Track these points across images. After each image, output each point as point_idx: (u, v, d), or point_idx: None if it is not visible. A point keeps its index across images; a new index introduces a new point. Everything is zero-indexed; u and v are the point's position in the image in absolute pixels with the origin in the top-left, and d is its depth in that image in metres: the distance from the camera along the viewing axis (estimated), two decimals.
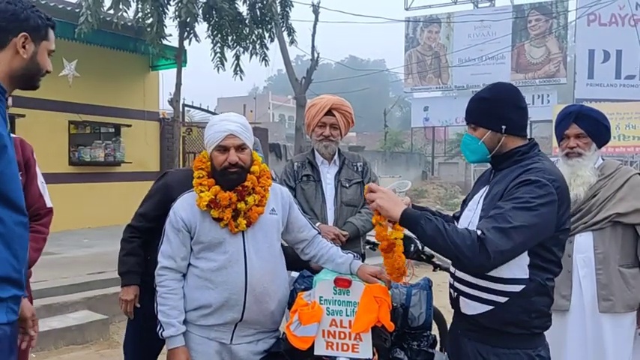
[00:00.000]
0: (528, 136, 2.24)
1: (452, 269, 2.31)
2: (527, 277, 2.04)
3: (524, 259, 2.03)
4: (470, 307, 2.16)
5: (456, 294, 2.24)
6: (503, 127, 2.16)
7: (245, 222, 2.37)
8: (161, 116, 11.91)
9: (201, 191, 2.37)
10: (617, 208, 2.77)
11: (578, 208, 2.84)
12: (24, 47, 1.91)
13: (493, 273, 2.06)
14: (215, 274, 2.36)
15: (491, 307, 2.09)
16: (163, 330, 2.33)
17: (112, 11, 8.79)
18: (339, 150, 3.29)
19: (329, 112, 3.14)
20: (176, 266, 2.39)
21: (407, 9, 28.31)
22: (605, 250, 2.78)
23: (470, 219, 2.19)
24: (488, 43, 25.40)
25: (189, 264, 2.41)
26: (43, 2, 8.69)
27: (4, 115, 1.83)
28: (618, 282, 2.76)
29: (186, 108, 13.09)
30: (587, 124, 2.84)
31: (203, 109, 13.58)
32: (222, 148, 2.36)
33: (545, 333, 2.90)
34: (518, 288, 2.04)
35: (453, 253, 1.96)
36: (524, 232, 1.94)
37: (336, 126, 3.16)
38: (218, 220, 2.36)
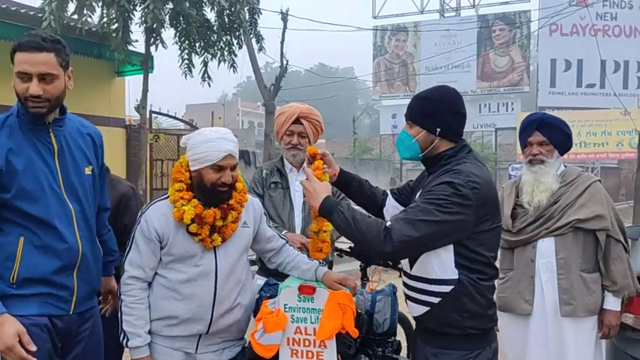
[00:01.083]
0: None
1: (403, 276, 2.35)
2: (457, 277, 2.10)
3: (450, 259, 2.10)
4: (413, 309, 2.24)
5: (405, 297, 2.32)
6: (438, 129, 2.20)
7: (220, 238, 2.33)
8: (127, 123, 11.73)
9: (182, 205, 2.30)
10: (578, 214, 2.82)
11: (540, 214, 2.89)
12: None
13: (423, 274, 2.15)
14: (184, 286, 2.31)
15: (427, 308, 2.17)
16: (128, 340, 2.27)
17: (75, 16, 8.63)
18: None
19: (297, 121, 3.13)
20: (144, 276, 2.32)
21: (375, 17, 28.57)
22: (566, 255, 2.83)
23: None
24: (454, 52, 25.80)
25: (156, 273, 2.36)
26: (4, 7, 8.47)
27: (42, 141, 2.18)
28: (579, 287, 2.81)
29: (153, 115, 12.92)
30: (550, 132, 2.90)
31: (171, 116, 13.44)
32: (218, 167, 2.30)
33: (508, 336, 2.99)
34: (447, 288, 2.11)
35: (359, 240, 2.12)
36: (432, 227, 2.02)
37: (304, 134, 3.15)
38: (193, 234, 2.30)
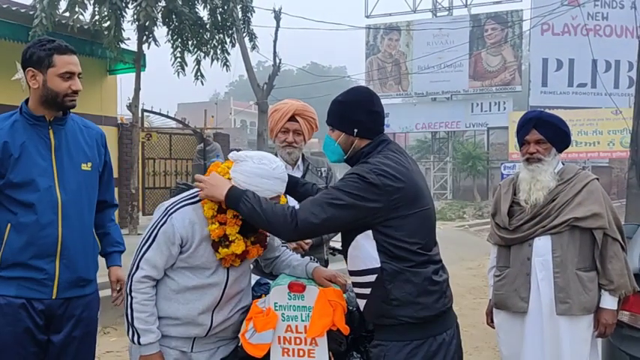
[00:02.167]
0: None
1: None
2: (379, 265, 2.15)
3: (373, 248, 2.17)
4: (360, 304, 2.30)
5: None
6: (355, 130, 2.28)
7: (239, 260, 2.34)
8: (119, 121, 11.67)
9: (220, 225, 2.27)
10: (575, 212, 2.81)
11: (537, 212, 2.88)
12: (34, 79, 2.38)
13: (353, 267, 2.26)
14: (190, 292, 2.29)
15: (364, 300, 2.24)
16: (139, 337, 2.24)
17: (67, 14, 8.58)
18: (303, 155, 3.25)
19: (292, 118, 3.09)
20: (158, 276, 2.29)
21: (367, 16, 28.60)
22: (562, 253, 2.83)
23: None
24: (447, 51, 25.87)
25: (165, 273, 2.31)
26: None
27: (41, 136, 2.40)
28: (575, 285, 2.81)
29: (145, 113, 12.87)
30: (547, 130, 2.90)
31: (163, 115, 13.39)
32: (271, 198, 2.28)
33: (504, 334, 2.98)
34: (372, 277, 2.18)
35: (268, 227, 2.20)
36: (337, 210, 2.11)
37: (299, 132, 3.12)
38: (216, 249, 2.27)
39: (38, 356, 2.42)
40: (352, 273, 2.28)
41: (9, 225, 2.36)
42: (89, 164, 2.51)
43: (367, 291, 2.20)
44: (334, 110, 2.35)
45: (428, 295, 2.17)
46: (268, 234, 2.40)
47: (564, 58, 24.90)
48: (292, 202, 2.54)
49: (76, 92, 2.43)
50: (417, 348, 2.14)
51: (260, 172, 2.25)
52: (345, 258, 2.34)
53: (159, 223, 2.26)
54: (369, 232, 2.17)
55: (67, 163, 2.44)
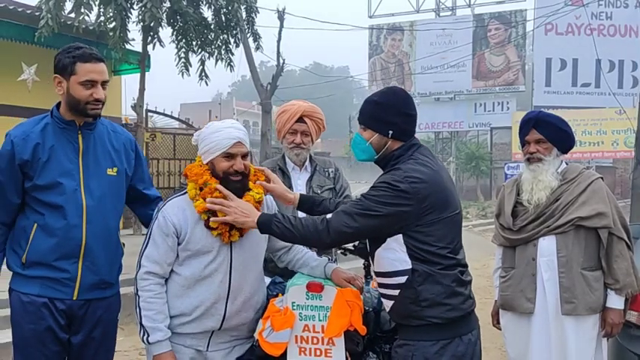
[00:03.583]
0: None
1: None
2: (410, 267, 2.17)
3: (403, 251, 2.19)
4: (386, 305, 2.32)
5: None
6: (390, 131, 2.28)
7: (238, 233, 2.35)
8: (124, 122, 11.70)
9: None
10: (580, 212, 2.82)
11: (541, 212, 2.89)
12: (60, 86, 2.44)
13: (381, 269, 2.26)
14: (199, 282, 2.33)
15: (392, 302, 2.25)
16: (148, 335, 2.28)
17: (73, 15, 8.61)
18: (310, 156, 3.27)
19: (300, 119, 3.11)
20: (162, 272, 2.33)
21: (370, 17, 28.63)
22: (567, 253, 2.83)
23: None
24: (450, 51, 25.87)
25: (172, 270, 2.36)
26: (1, 5, 8.46)
27: (70, 140, 2.45)
28: (581, 285, 2.81)
29: (149, 113, 12.90)
30: (546, 130, 2.90)
31: (167, 115, 13.40)
32: (229, 155, 2.33)
33: (510, 334, 3.00)
34: (402, 279, 2.19)
35: (304, 241, 2.30)
36: (369, 220, 2.14)
37: (307, 133, 3.14)
38: (211, 228, 2.32)
39: (60, 355, 2.47)
40: (380, 274, 2.29)
41: (35, 225, 2.41)
42: (115, 169, 2.54)
43: (395, 292, 2.22)
44: (369, 110, 2.33)
45: (455, 297, 2.20)
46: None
47: (568, 58, 24.87)
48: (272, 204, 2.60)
49: (98, 101, 2.44)
50: (444, 348, 2.17)
51: (211, 130, 2.38)
52: (367, 258, 2.37)
53: (153, 221, 2.37)
54: (399, 236, 2.19)
55: (93, 167, 2.48)
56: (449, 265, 2.21)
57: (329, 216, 2.20)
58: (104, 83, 2.47)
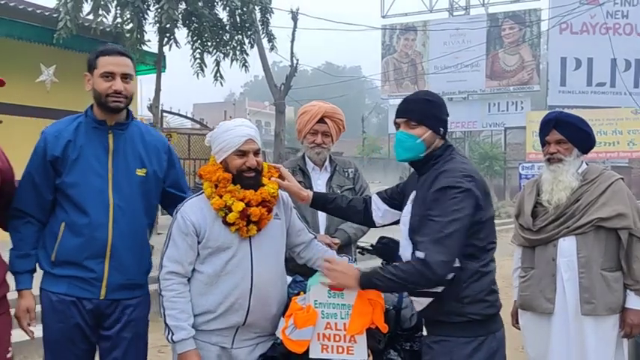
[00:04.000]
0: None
1: None
2: (459, 265, 2.19)
3: None
4: (418, 303, 2.33)
5: (408, 293, 2.42)
6: (441, 129, 2.34)
7: (256, 227, 2.40)
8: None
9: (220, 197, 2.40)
10: (600, 212, 2.82)
11: (561, 213, 2.89)
12: (88, 83, 2.49)
13: None
14: (221, 279, 2.37)
15: (432, 299, 2.26)
16: (173, 334, 2.32)
17: (90, 16, 8.70)
18: (330, 156, 3.31)
19: (321, 120, 3.16)
20: (183, 271, 2.38)
21: (383, 16, 28.58)
22: (587, 254, 2.83)
23: (407, 224, 2.35)
24: (464, 51, 25.75)
25: (194, 269, 2.41)
26: (20, 7, 8.58)
27: (100, 139, 2.49)
28: (600, 285, 2.81)
29: (163, 114, 13.00)
30: (566, 130, 2.91)
31: (183, 116, 13.51)
32: (241, 153, 2.39)
33: (530, 335, 3.00)
34: (449, 276, 2.19)
35: (410, 287, 2.25)
36: (456, 237, 2.13)
37: (327, 133, 3.18)
38: (229, 224, 2.37)
39: (89, 354, 2.51)
40: None
41: (63, 224, 2.45)
42: (144, 170, 2.55)
43: (439, 289, 2.22)
44: (424, 107, 2.35)
45: (493, 294, 2.27)
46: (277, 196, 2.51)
47: (583, 57, 24.65)
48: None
49: (118, 93, 2.44)
50: (482, 344, 2.21)
51: (223, 129, 2.45)
52: (386, 258, 2.40)
53: (172, 222, 2.43)
54: None
55: (123, 167, 2.50)
56: (490, 261, 2.28)
57: (419, 254, 2.14)
58: (125, 77, 2.48)
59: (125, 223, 2.48)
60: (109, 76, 2.44)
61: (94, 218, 2.43)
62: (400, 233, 2.44)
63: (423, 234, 2.17)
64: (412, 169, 2.47)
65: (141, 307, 2.58)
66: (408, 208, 2.38)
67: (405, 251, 2.34)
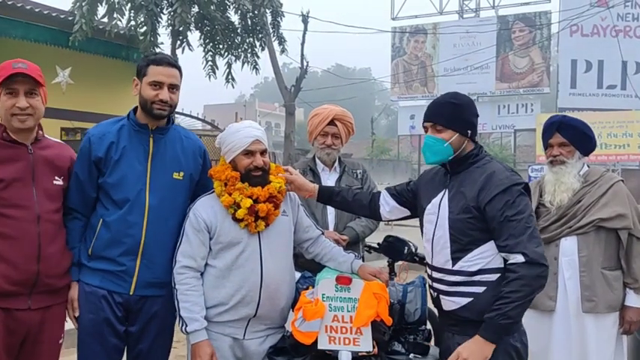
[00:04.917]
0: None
1: (428, 271, 2.48)
2: (503, 265, 2.24)
3: (495, 249, 2.26)
4: (450, 303, 2.34)
5: (435, 293, 2.43)
6: (469, 131, 2.36)
7: (264, 223, 2.53)
8: None
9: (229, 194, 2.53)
10: (601, 213, 2.89)
11: (563, 213, 2.96)
12: (136, 88, 2.61)
13: (469, 268, 2.28)
14: (233, 273, 2.50)
15: (470, 299, 2.28)
16: (187, 326, 2.45)
17: (105, 19, 8.85)
18: (339, 158, 3.43)
19: (331, 122, 3.28)
20: (196, 265, 2.51)
21: (393, 19, 28.52)
22: (588, 253, 2.90)
23: (434, 222, 2.38)
24: (474, 53, 25.65)
25: (207, 263, 2.54)
26: (36, 10, 8.72)
27: (142, 142, 2.59)
28: (601, 284, 2.88)
29: (175, 115, 13.10)
30: (569, 133, 2.97)
31: (195, 117, 13.62)
32: (249, 153, 2.53)
33: (532, 332, 3.05)
34: (494, 277, 2.25)
35: (531, 295, 2.18)
36: (536, 227, 2.24)
37: (337, 135, 3.30)
38: (238, 220, 2.50)
39: (118, 347, 2.60)
40: (462, 273, 2.30)
41: (101, 220, 2.56)
42: (181, 173, 2.65)
43: (480, 289, 2.26)
44: (449, 110, 2.36)
45: None
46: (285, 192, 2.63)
47: (593, 60, 24.50)
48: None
49: (164, 102, 2.55)
50: (515, 340, 2.28)
51: (231, 130, 2.60)
52: (392, 256, 2.44)
53: (185, 220, 2.56)
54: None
55: (161, 170, 2.61)
56: None
57: (522, 258, 2.16)
58: (173, 87, 2.58)
59: (159, 224, 2.57)
60: (157, 85, 2.55)
61: (129, 217, 2.53)
62: (423, 234, 2.48)
63: (511, 236, 2.18)
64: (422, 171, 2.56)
65: (168, 304, 2.62)
66: (432, 208, 2.41)
67: (438, 251, 2.36)
